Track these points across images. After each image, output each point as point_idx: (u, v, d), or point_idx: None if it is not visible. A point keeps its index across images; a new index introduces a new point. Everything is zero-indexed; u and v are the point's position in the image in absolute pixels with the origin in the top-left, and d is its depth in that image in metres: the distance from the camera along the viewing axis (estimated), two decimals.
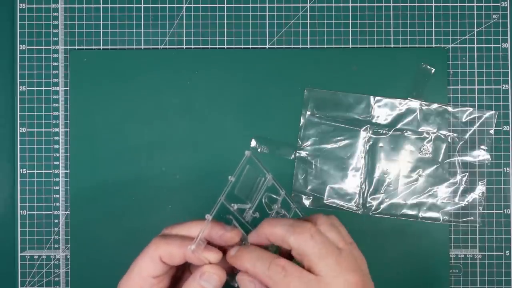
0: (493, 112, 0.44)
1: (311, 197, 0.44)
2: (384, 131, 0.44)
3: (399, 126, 0.44)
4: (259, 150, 0.44)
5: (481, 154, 0.44)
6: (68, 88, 0.44)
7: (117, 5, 0.45)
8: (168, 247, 0.29)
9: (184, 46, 0.45)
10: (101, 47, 0.45)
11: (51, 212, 0.44)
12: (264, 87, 0.44)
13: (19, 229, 0.44)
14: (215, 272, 0.29)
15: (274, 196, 0.34)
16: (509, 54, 0.44)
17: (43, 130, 0.44)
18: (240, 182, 0.32)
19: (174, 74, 0.44)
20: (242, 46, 0.45)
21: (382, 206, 0.44)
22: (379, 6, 0.45)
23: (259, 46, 0.45)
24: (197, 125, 0.44)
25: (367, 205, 0.44)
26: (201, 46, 0.45)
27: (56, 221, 0.44)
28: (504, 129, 0.44)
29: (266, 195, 0.34)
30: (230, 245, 0.31)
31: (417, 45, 0.45)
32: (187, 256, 0.29)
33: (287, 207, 0.35)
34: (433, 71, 0.44)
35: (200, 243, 0.29)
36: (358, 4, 0.45)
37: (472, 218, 0.44)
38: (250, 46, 0.45)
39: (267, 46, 0.45)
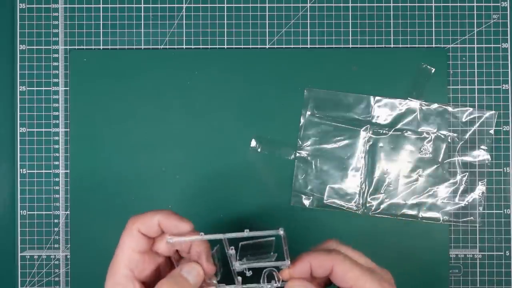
0: (493, 112, 0.44)
1: (311, 197, 0.44)
2: (384, 131, 0.44)
3: (399, 126, 0.44)
4: (259, 150, 0.44)
5: (481, 154, 0.44)
6: (68, 88, 0.44)
7: (117, 5, 0.45)
8: (143, 217, 0.30)
9: (184, 46, 0.45)
10: (101, 47, 0.45)
11: (51, 212, 0.44)
12: (264, 87, 0.44)
13: (19, 229, 0.44)
14: (197, 266, 0.31)
15: (275, 278, 0.32)
16: (509, 54, 0.44)
17: (43, 130, 0.44)
18: (252, 242, 0.30)
19: (174, 74, 0.44)
20: (242, 46, 0.45)
21: (382, 206, 0.44)
22: (379, 6, 0.45)
23: (259, 46, 0.45)
24: (197, 125, 0.44)
25: (367, 205, 0.44)
26: (201, 46, 0.45)
27: (56, 221, 0.44)
28: (504, 129, 0.44)
29: (270, 271, 0.32)
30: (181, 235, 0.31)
31: (417, 45, 0.45)
32: (161, 222, 0.30)
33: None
34: (433, 71, 0.44)
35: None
36: (358, 4, 0.45)
37: (472, 218, 0.44)
38: (250, 46, 0.45)
39: (267, 46, 0.45)
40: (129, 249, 0.31)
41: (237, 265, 0.31)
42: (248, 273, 0.31)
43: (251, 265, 0.31)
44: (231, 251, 0.30)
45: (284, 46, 0.45)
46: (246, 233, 0.29)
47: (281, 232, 0.29)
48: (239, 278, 0.32)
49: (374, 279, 0.30)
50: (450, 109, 0.44)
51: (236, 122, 0.44)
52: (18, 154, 0.44)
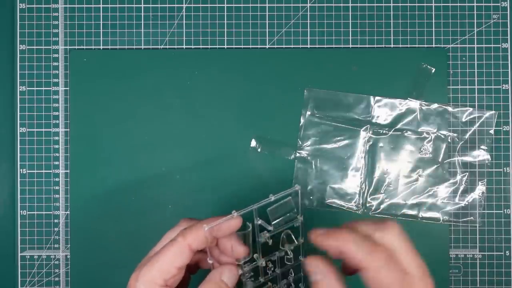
0: (493, 112, 0.44)
1: (311, 197, 0.44)
2: (384, 131, 0.44)
3: (399, 126, 0.44)
4: (259, 150, 0.44)
5: (481, 154, 0.44)
6: (68, 88, 0.44)
7: (117, 5, 0.45)
8: (195, 233, 0.30)
9: (184, 46, 0.45)
10: (101, 47, 0.45)
11: (51, 212, 0.44)
12: (264, 87, 0.44)
13: (19, 229, 0.44)
14: (234, 270, 0.32)
15: (293, 237, 0.34)
16: (509, 54, 0.44)
17: (43, 130, 0.44)
18: (275, 206, 0.32)
19: (174, 74, 0.44)
20: (242, 46, 0.45)
21: (382, 206, 0.44)
22: (379, 6, 0.45)
23: (259, 46, 0.45)
24: (197, 125, 0.44)
25: (367, 205, 0.44)
26: (201, 46, 0.45)
27: (56, 221, 0.44)
28: (504, 129, 0.44)
29: (286, 232, 0.34)
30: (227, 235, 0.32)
31: (417, 45, 0.45)
32: (212, 231, 0.30)
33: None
34: (433, 71, 0.44)
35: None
36: (358, 4, 0.45)
37: (472, 218, 0.44)
38: (250, 46, 0.45)
39: (267, 46, 0.45)
40: (171, 263, 0.30)
41: (261, 237, 0.32)
42: (270, 242, 0.33)
43: (274, 232, 0.32)
44: (259, 221, 0.32)
45: (284, 46, 0.45)
46: (272, 197, 0.31)
47: (297, 187, 0.32)
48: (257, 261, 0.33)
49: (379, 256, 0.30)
50: (450, 109, 0.44)
51: (236, 122, 0.44)
52: (18, 154, 0.44)
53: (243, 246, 0.32)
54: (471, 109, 0.44)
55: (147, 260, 0.31)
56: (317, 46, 0.45)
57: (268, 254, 0.34)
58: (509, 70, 0.44)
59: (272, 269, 0.35)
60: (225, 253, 0.32)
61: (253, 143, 0.44)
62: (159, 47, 0.45)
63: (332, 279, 0.31)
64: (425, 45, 0.45)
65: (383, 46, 0.45)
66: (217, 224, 0.30)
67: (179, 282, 0.31)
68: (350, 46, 0.45)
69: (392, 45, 0.45)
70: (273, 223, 0.32)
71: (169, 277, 0.30)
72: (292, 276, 0.36)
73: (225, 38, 0.45)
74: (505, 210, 0.44)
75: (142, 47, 0.45)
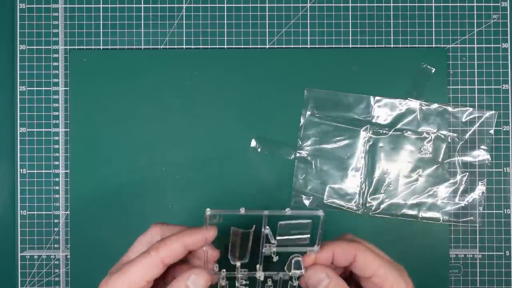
0: (493, 112, 0.44)
1: (311, 197, 0.44)
2: (384, 131, 0.44)
3: (399, 126, 0.44)
4: (259, 150, 0.44)
5: (481, 154, 0.44)
6: (68, 88, 0.44)
7: (117, 5, 0.45)
8: (169, 246, 0.30)
9: (184, 46, 0.45)
10: (101, 47, 0.45)
11: (51, 212, 0.44)
12: (264, 87, 0.44)
13: (19, 229, 0.44)
14: (203, 275, 0.30)
15: (302, 266, 0.31)
16: (509, 54, 0.44)
17: (43, 130, 0.44)
18: (288, 222, 0.29)
19: (174, 74, 0.44)
20: (242, 46, 0.45)
21: (382, 206, 0.44)
22: (379, 6, 0.45)
23: (259, 46, 0.45)
24: (197, 125, 0.44)
25: (367, 205, 0.44)
26: (201, 46, 0.45)
27: (56, 221, 0.44)
28: (504, 129, 0.44)
29: (297, 257, 0.31)
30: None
31: (417, 45, 0.45)
32: (187, 244, 0.30)
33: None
34: (433, 71, 0.44)
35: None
36: (358, 4, 0.45)
37: (472, 218, 0.44)
38: (250, 46, 0.45)
39: (267, 46, 0.45)
40: (142, 276, 0.30)
41: (267, 248, 0.30)
42: (275, 258, 0.31)
43: (280, 249, 0.30)
44: (267, 230, 0.30)
45: (284, 46, 0.45)
46: (288, 211, 0.29)
47: (320, 213, 0.28)
48: (260, 269, 0.31)
49: (394, 269, 0.30)
50: (450, 109, 0.44)
51: (236, 122, 0.44)
52: (18, 154, 0.44)
53: (215, 250, 0.31)
54: (471, 109, 0.44)
55: (118, 267, 0.30)
56: (317, 46, 0.45)
57: (271, 270, 0.32)
58: (509, 70, 0.44)
59: (272, 287, 0.32)
60: (198, 257, 0.32)
61: (253, 143, 0.44)
62: (159, 47, 0.45)
63: (340, 280, 0.30)
64: (425, 45, 0.45)
65: (383, 46, 0.45)
66: (192, 236, 0.30)
67: None
68: (350, 46, 0.45)
69: (392, 45, 0.45)
70: (278, 238, 0.30)
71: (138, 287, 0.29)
72: None
73: (225, 38, 0.45)
74: (505, 210, 0.44)
75: (142, 47, 0.45)
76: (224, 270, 0.31)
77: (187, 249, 0.31)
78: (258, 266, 0.31)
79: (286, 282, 0.32)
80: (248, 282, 0.32)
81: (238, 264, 0.31)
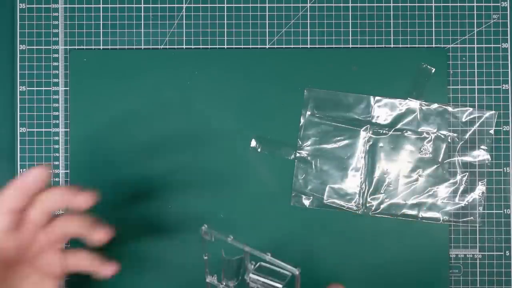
0: (493, 112, 0.44)
1: (311, 197, 0.44)
2: (384, 131, 0.44)
3: (399, 126, 0.44)
4: (259, 150, 0.44)
5: (481, 154, 0.44)
6: (68, 88, 0.44)
7: (117, 5, 0.45)
8: (6, 195, 0.33)
9: (184, 46, 0.45)
10: (101, 47, 0.45)
11: None
12: (264, 87, 0.44)
13: None
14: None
15: None
16: (509, 54, 0.44)
17: (43, 130, 0.44)
18: (266, 266, 0.32)
19: (174, 74, 0.44)
20: (242, 46, 0.45)
21: (382, 206, 0.44)
22: (379, 6, 0.45)
23: (259, 46, 0.45)
24: (197, 125, 0.44)
25: (367, 205, 0.44)
26: (201, 46, 0.45)
27: None
28: (504, 129, 0.44)
29: None
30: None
31: (417, 45, 0.45)
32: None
33: None
34: (433, 71, 0.44)
35: None
36: (358, 4, 0.45)
37: (472, 218, 0.44)
38: (250, 46, 0.45)
39: (267, 46, 0.45)
40: None
41: (251, 282, 0.32)
42: None
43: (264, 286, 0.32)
44: (250, 265, 0.32)
45: (284, 46, 0.45)
46: (268, 257, 0.31)
47: (296, 272, 0.30)
48: None
49: None
50: (450, 109, 0.44)
51: (236, 122, 0.44)
52: (18, 154, 0.44)
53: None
54: (471, 109, 0.44)
55: None
56: (317, 46, 0.45)
57: None
58: (509, 70, 0.44)
59: None
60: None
61: (253, 143, 0.44)
62: (159, 47, 0.45)
63: None
64: (425, 45, 0.45)
65: (383, 46, 0.45)
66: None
67: None
68: (350, 46, 0.45)
69: (392, 45, 0.45)
70: (251, 275, 0.32)
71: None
72: None
73: (225, 38, 0.45)
74: (505, 210, 0.44)
75: (142, 47, 0.45)
76: (223, 282, 0.35)
77: (24, 192, 0.33)
78: None
79: None
80: None
81: (231, 284, 0.34)
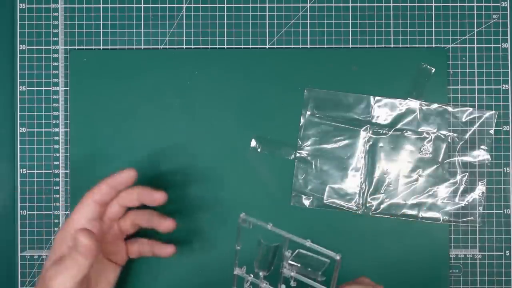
0: (493, 112, 0.44)
1: (311, 197, 0.44)
2: (384, 131, 0.44)
3: (399, 126, 0.44)
4: (259, 150, 0.44)
5: (481, 154, 0.44)
6: (68, 88, 0.44)
7: (117, 5, 0.45)
8: (98, 188, 0.37)
9: (184, 46, 0.45)
10: (101, 47, 0.45)
11: (51, 212, 0.44)
12: (264, 87, 0.44)
13: (19, 229, 0.44)
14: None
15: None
16: (509, 54, 0.44)
17: (43, 130, 0.44)
18: (306, 253, 0.32)
19: (174, 74, 0.44)
20: (242, 46, 0.45)
21: (382, 206, 0.44)
22: (379, 6, 0.45)
23: (259, 46, 0.45)
24: (197, 125, 0.44)
25: (367, 205, 0.44)
26: (201, 46, 0.45)
27: (56, 221, 0.44)
28: (504, 129, 0.44)
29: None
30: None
31: (417, 45, 0.45)
32: (112, 183, 0.37)
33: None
34: (433, 71, 0.44)
35: None
36: (358, 4, 0.45)
37: (472, 218, 0.44)
38: (250, 46, 0.45)
39: (267, 46, 0.45)
40: (80, 216, 0.37)
41: (286, 270, 0.32)
42: (293, 283, 0.33)
43: (298, 276, 0.32)
44: (287, 253, 0.32)
45: (284, 46, 0.45)
46: (308, 243, 0.31)
47: (337, 257, 0.30)
48: (283, 286, 0.33)
49: None
50: (450, 109, 0.44)
51: (236, 122, 0.44)
52: (18, 154, 0.44)
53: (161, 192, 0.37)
54: (471, 109, 0.44)
55: None
56: (317, 46, 0.45)
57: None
58: (509, 70, 0.44)
59: None
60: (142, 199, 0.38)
61: (253, 143, 0.44)
62: (159, 47, 0.45)
63: None
64: (425, 45, 0.45)
65: (383, 46, 0.45)
66: (115, 177, 0.37)
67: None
68: (350, 46, 0.45)
69: (392, 45, 0.45)
70: (290, 262, 0.32)
71: (78, 226, 0.36)
72: None
73: (225, 38, 0.45)
74: (505, 210, 0.44)
75: (142, 47, 0.45)
76: (252, 275, 0.34)
77: (113, 188, 0.37)
78: (279, 285, 0.33)
79: None
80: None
81: (261, 274, 0.34)
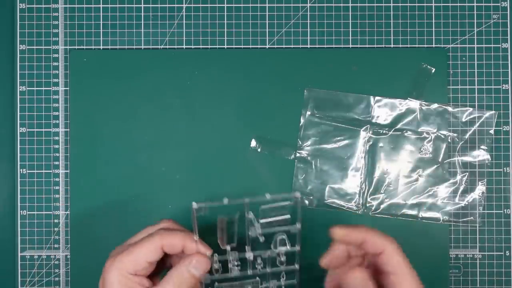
0: (493, 112, 0.44)
1: (311, 197, 0.44)
2: (384, 131, 0.44)
3: (399, 126, 0.44)
4: (259, 150, 0.44)
5: (481, 154, 0.44)
6: (68, 88, 0.44)
7: (117, 5, 0.45)
8: (171, 238, 0.33)
9: (184, 46, 0.45)
10: (101, 47, 0.45)
11: (51, 212, 0.44)
12: (264, 87, 0.44)
13: (19, 229, 0.44)
14: (204, 260, 0.33)
15: (286, 242, 0.35)
16: (509, 54, 0.44)
17: (43, 130, 0.44)
18: (269, 207, 0.33)
19: (174, 74, 0.44)
20: (242, 46, 0.45)
21: (382, 206, 0.44)
22: (379, 6, 0.45)
23: (259, 46, 0.45)
24: (197, 125, 0.44)
25: (367, 205, 0.44)
26: (201, 46, 0.45)
27: (56, 221, 0.44)
28: (504, 129, 0.44)
29: (281, 236, 0.35)
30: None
31: (417, 45, 0.45)
32: (186, 247, 0.33)
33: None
34: (433, 71, 0.44)
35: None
36: (358, 4, 0.45)
37: (472, 218, 0.44)
38: (250, 46, 0.45)
39: (267, 46, 0.45)
40: (144, 257, 0.33)
41: (251, 232, 0.34)
42: (262, 239, 0.34)
43: (266, 230, 0.34)
44: (250, 215, 0.33)
45: (284, 46, 0.45)
46: (268, 195, 0.32)
47: (297, 195, 0.32)
48: (249, 251, 0.34)
49: (414, 273, 0.33)
50: (450, 109, 0.44)
51: (236, 122, 0.44)
52: (18, 154, 0.44)
53: (205, 246, 0.34)
54: (471, 109, 0.44)
55: (123, 248, 0.33)
56: (317, 46, 0.45)
57: (260, 250, 0.35)
58: (509, 70, 0.44)
59: (262, 265, 0.36)
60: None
61: (253, 143, 0.44)
62: (159, 47, 0.45)
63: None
64: (425, 45, 0.45)
65: (383, 46, 0.45)
66: (193, 244, 0.33)
67: (151, 273, 0.34)
68: (350, 46, 0.45)
69: (392, 45, 0.45)
70: (261, 221, 0.33)
71: (139, 268, 0.32)
72: (284, 279, 0.37)
73: (225, 38, 0.45)
74: (505, 210, 0.44)
75: (142, 47, 0.45)
76: (216, 254, 0.34)
77: (183, 249, 0.33)
78: (246, 247, 0.34)
79: (274, 259, 0.36)
80: (239, 263, 0.35)
81: (228, 248, 0.34)
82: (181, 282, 0.32)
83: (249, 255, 0.35)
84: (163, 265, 0.36)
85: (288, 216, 0.33)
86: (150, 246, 0.33)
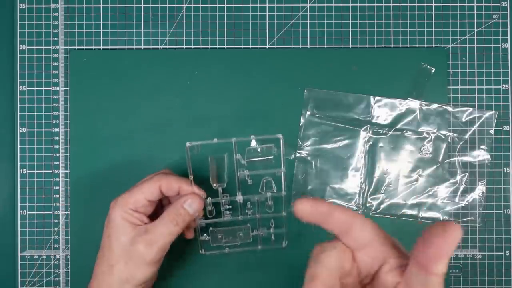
0: (493, 112, 0.44)
1: (311, 197, 0.44)
2: (384, 131, 0.44)
3: (399, 126, 0.44)
4: (259, 150, 0.44)
5: (481, 154, 0.44)
6: (68, 88, 0.44)
7: (117, 5, 0.45)
8: (168, 179, 0.37)
9: (184, 46, 0.45)
10: (101, 47, 0.45)
11: (51, 212, 0.44)
12: (264, 87, 0.44)
13: (19, 229, 0.44)
14: (198, 199, 0.37)
15: (272, 185, 0.39)
16: (509, 54, 0.44)
17: (43, 130, 0.44)
18: (254, 147, 0.38)
19: (174, 74, 0.44)
20: (242, 46, 0.45)
21: (382, 206, 0.44)
22: (379, 6, 0.45)
23: (259, 46, 0.45)
24: (197, 125, 0.44)
25: (367, 205, 0.44)
26: (201, 46, 0.45)
27: (56, 221, 0.44)
28: (504, 129, 0.44)
29: (268, 179, 0.39)
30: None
31: (417, 45, 0.45)
32: (182, 188, 0.37)
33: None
34: (433, 71, 0.44)
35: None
36: (358, 4, 0.45)
37: (472, 218, 0.44)
38: (250, 46, 0.45)
39: (267, 46, 0.45)
40: (143, 195, 0.37)
41: (241, 173, 0.37)
42: (250, 181, 0.38)
43: (253, 173, 0.37)
44: (238, 156, 0.37)
45: (284, 46, 0.45)
46: (252, 137, 0.37)
47: (280, 136, 0.37)
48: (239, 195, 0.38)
49: (390, 239, 0.27)
50: (450, 109, 0.44)
51: (236, 122, 0.44)
52: (18, 154, 0.44)
53: (199, 189, 0.38)
54: (471, 109, 0.44)
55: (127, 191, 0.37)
56: (317, 46, 0.45)
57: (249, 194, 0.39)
58: (509, 70, 0.44)
59: (252, 210, 0.39)
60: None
61: (253, 143, 0.44)
62: (159, 47, 0.45)
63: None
64: (425, 45, 0.45)
65: (383, 46, 0.45)
66: (188, 187, 0.37)
67: (150, 213, 0.38)
68: (350, 46, 0.45)
69: (392, 45, 0.45)
70: (246, 160, 0.37)
71: (139, 205, 0.36)
72: (273, 226, 0.41)
73: (225, 38, 0.45)
74: (505, 210, 0.44)
75: (142, 47, 0.45)
76: (210, 197, 0.38)
77: (179, 191, 0.37)
78: (237, 191, 0.38)
79: (263, 203, 0.39)
80: (231, 206, 0.39)
81: (220, 189, 0.39)
82: (177, 218, 0.36)
83: (239, 198, 0.38)
84: (162, 212, 0.39)
85: (271, 157, 0.37)
86: (149, 186, 0.36)
